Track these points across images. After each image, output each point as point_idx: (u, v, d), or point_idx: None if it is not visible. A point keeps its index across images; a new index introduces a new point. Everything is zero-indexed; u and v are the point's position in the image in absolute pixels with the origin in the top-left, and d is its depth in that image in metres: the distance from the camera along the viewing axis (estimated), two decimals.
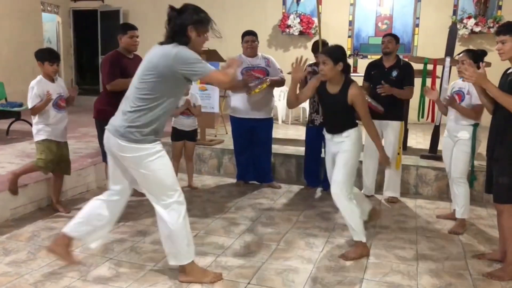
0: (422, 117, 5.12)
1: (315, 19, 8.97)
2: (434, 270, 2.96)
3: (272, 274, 2.86)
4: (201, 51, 2.65)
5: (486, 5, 8.13)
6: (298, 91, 3.39)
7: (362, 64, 8.08)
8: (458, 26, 7.91)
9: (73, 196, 4.40)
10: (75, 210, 3.98)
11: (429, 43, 8.26)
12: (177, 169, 4.77)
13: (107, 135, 2.59)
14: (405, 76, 4.30)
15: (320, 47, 4.21)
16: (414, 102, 5.61)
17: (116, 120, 2.55)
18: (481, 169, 4.28)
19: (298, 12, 9.03)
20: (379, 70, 4.39)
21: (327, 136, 3.29)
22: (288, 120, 8.20)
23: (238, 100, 4.64)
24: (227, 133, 6.46)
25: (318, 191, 4.76)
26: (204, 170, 5.54)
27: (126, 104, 2.54)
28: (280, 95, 8.06)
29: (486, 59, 3.57)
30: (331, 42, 4.58)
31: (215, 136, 6.23)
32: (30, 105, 3.67)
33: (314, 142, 4.69)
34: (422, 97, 5.07)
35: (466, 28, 8.09)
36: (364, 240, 3.16)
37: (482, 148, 3.71)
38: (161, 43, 2.55)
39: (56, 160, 3.81)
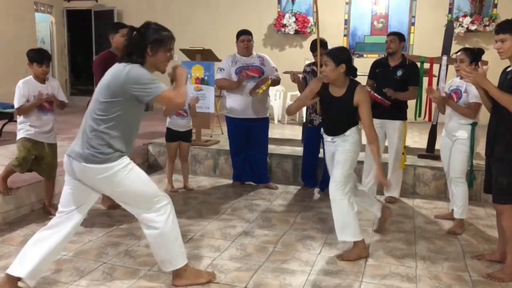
0: (420, 116, 5.08)
1: (311, 18, 8.94)
2: (433, 272, 2.92)
3: (269, 278, 2.81)
4: (165, 69, 2.57)
5: (481, 3, 8.12)
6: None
7: (359, 63, 8.08)
8: (454, 25, 7.87)
9: None
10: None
11: (425, 42, 8.25)
12: (172, 170, 4.73)
13: (68, 161, 2.46)
14: (410, 76, 4.25)
15: (318, 46, 4.15)
16: (411, 101, 5.58)
17: (77, 144, 2.44)
18: (479, 168, 4.26)
19: (293, 11, 8.99)
20: (383, 69, 4.34)
21: (326, 137, 3.25)
22: (284, 120, 8.16)
23: (233, 100, 4.59)
24: (222, 133, 6.41)
25: (315, 192, 4.72)
26: (199, 171, 5.48)
27: (84, 126, 2.43)
28: (276, 95, 8.02)
29: (483, 57, 3.54)
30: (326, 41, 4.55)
31: (211, 136, 6.18)
32: (16, 104, 3.59)
33: (313, 142, 4.65)
34: (419, 96, 5.03)
35: (462, 26, 8.08)
36: (359, 238, 3.11)
37: (480, 148, 3.69)
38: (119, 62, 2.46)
39: (31, 159, 3.68)
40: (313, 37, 8.74)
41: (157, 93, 2.35)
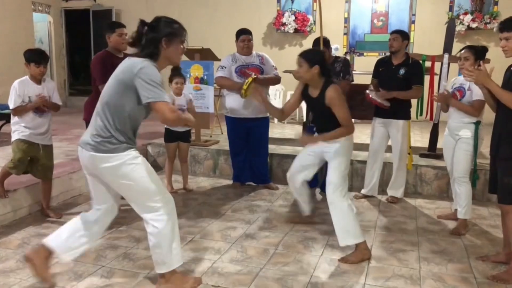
0: (421, 115, 5.03)
1: (310, 17, 8.89)
2: (438, 274, 2.87)
3: (270, 281, 2.76)
4: (179, 62, 2.62)
5: (482, 1, 8.08)
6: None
7: (359, 62, 8.05)
8: (455, 22, 7.82)
9: (65, 200, 4.28)
10: (67, 215, 3.88)
11: (425, 40, 8.21)
12: (171, 171, 4.68)
13: (79, 150, 2.49)
14: (413, 74, 4.18)
15: (321, 45, 4.08)
16: (412, 100, 5.54)
17: (87, 134, 2.48)
18: (482, 167, 4.22)
19: (293, 9, 8.94)
20: (386, 67, 4.29)
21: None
22: (285, 120, 8.11)
23: (233, 100, 4.54)
24: (222, 133, 6.36)
25: (316, 192, 4.67)
26: (199, 172, 5.43)
27: (95, 116, 2.46)
28: (276, 94, 7.98)
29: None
30: None
31: (210, 136, 6.13)
32: (11, 105, 3.53)
33: None
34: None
35: (463, 24, 8.03)
36: (361, 240, 3.08)
37: (483, 146, 3.64)
38: (131, 56, 2.49)
39: (27, 160, 3.64)
40: (313, 35, 8.70)
41: (157, 99, 2.31)
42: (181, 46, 2.49)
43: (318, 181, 4.72)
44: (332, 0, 8.55)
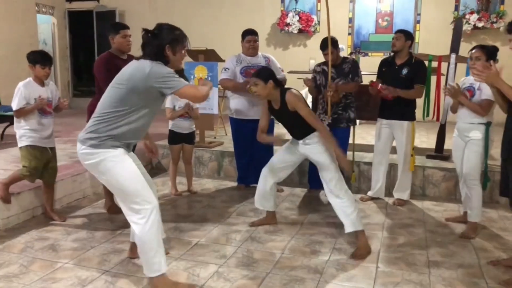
0: (428, 115, 4.97)
1: (315, 17, 8.84)
2: (448, 279, 2.82)
3: (277, 286, 2.71)
4: (180, 67, 2.75)
5: (488, 0, 8.00)
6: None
7: (364, 62, 7.98)
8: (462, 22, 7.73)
9: (69, 203, 4.24)
10: (71, 218, 3.85)
11: (430, 40, 8.14)
12: (175, 173, 4.64)
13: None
14: (416, 74, 4.12)
15: (330, 44, 4.02)
16: (418, 100, 5.47)
17: (84, 130, 2.56)
18: (493, 169, 4.15)
19: (297, 9, 8.89)
20: (389, 67, 4.24)
21: (298, 141, 3.48)
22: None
23: (237, 101, 4.50)
24: (226, 135, 6.31)
25: (322, 194, 4.61)
26: (203, 173, 5.39)
27: (95, 114, 2.54)
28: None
29: None
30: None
31: (215, 138, 6.08)
32: (15, 107, 3.50)
33: None
34: (426, 95, 4.92)
35: (469, 23, 7.95)
36: (361, 228, 3.28)
37: (494, 148, 3.58)
38: (138, 58, 2.56)
39: (41, 167, 3.64)
40: (317, 35, 8.65)
41: (180, 86, 2.44)
42: (183, 52, 2.60)
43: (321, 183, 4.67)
44: (336, 0, 8.49)
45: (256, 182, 4.77)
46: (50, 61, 3.65)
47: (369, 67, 7.31)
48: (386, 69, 4.27)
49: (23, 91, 3.51)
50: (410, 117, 4.21)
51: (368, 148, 5.09)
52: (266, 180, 3.64)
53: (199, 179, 5.20)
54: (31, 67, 3.59)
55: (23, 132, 3.57)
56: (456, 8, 8.24)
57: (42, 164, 3.64)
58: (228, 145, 5.49)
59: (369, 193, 4.50)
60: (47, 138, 3.67)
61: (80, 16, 10.49)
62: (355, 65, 4.34)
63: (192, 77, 5.21)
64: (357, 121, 7.50)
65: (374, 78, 4.54)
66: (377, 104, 4.37)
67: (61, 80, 10.40)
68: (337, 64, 4.26)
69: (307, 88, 4.64)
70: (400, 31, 4.20)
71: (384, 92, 4.09)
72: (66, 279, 2.75)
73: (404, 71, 4.13)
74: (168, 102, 4.43)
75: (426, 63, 4.90)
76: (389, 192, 4.51)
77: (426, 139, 6.34)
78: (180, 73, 4.40)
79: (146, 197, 2.50)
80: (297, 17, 8.78)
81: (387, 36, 8.38)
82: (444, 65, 4.98)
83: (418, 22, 8.52)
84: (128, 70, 2.49)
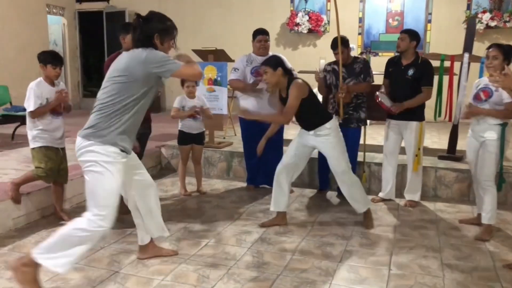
0: (439, 116, 4.90)
1: (324, 17, 8.78)
2: (462, 283, 2.76)
3: None
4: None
5: None
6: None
7: (374, 62, 7.90)
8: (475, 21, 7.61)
9: (79, 203, 4.23)
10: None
11: (442, 40, 8.04)
12: (184, 173, 4.62)
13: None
14: (423, 75, 4.05)
15: (339, 44, 3.99)
16: (430, 101, 5.39)
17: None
18: (506, 170, 4.08)
19: (306, 9, 8.84)
20: (396, 68, 4.17)
21: (308, 133, 3.58)
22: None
23: (247, 102, 4.46)
24: (235, 135, 6.29)
25: (333, 195, 4.57)
26: (213, 174, 5.37)
27: (94, 109, 2.55)
28: None
29: None
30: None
31: (224, 138, 6.06)
32: (30, 107, 3.48)
33: None
34: (439, 95, 4.86)
35: (481, 22, 7.84)
36: (369, 206, 3.72)
37: (509, 149, 3.51)
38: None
39: (57, 168, 3.65)
40: (327, 35, 8.59)
41: (177, 67, 2.50)
42: (170, 43, 2.63)
43: (330, 184, 4.63)
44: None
45: (266, 183, 4.79)
46: (61, 61, 3.65)
47: (379, 67, 7.24)
48: (393, 69, 4.21)
49: (35, 91, 3.51)
50: (419, 117, 4.15)
51: (379, 149, 5.02)
52: (280, 179, 3.65)
53: (208, 179, 5.18)
54: (42, 67, 3.59)
55: (36, 133, 3.57)
56: (468, 7, 8.13)
57: (57, 164, 3.64)
58: (238, 145, 5.47)
59: (380, 194, 4.44)
60: (59, 139, 3.67)
61: (90, 17, 10.53)
62: (366, 65, 4.29)
63: (203, 76, 5.18)
64: (368, 121, 7.49)
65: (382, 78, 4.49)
66: (379, 107, 4.32)
67: (71, 80, 10.45)
68: (347, 63, 4.21)
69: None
70: (405, 31, 4.13)
71: (393, 110, 4.05)
72: (76, 279, 2.74)
73: (411, 71, 4.06)
74: (176, 102, 4.41)
75: (438, 63, 4.87)
76: (400, 193, 4.45)
77: (437, 140, 6.26)
78: None
79: (109, 215, 2.47)
80: (306, 17, 8.73)
81: (398, 36, 8.29)
82: (456, 65, 4.92)
83: (429, 21, 8.42)
84: (123, 61, 2.50)
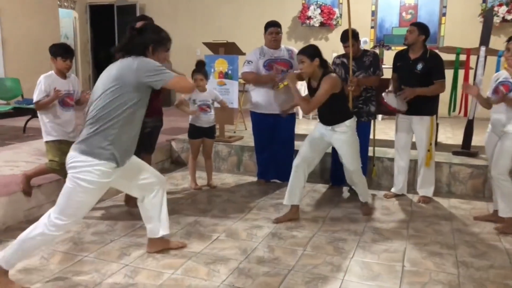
0: (454, 111, 4.81)
1: (336, 10, 8.68)
2: (478, 280, 2.69)
3: (299, 284, 2.63)
4: None
5: None
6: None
7: (387, 56, 7.80)
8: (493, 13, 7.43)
9: None
10: (91, 211, 3.80)
11: (456, 33, 7.90)
12: (195, 167, 4.60)
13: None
14: (432, 69, 3.95)
15: (350, 37, 3.92)
16: (444, 96, 5.30)
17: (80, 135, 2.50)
18: None
19: (318, 2, 8.74)
20: (404, 62, 4.09)
21: (326, 127, 3.56)
22: (309, 115, 7.94)
23: (259, 95, 4.42)
24: (246, 129, 6.25)
25: (344, 191, 4.51)
26: (223, 168, 5.33)
27: (87, 123, 2.47)
28: (300, 89, 7.79)
29: None
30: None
31: (234, 132, 6.02)
32: (35, 99, 3.50)
33: None
34: (454, 89, 4.77)
35: (497, 16, 7.68)
36: (369, 200, 3.91)
37: None
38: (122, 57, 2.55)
39: None
40: (339, 29, 8.49)
41: (170, 77, 2.46)
42: (165, 54, 2.65)
43: (345, 179, 4.57)
44: None
45: (277, 177, 4.75)
46: (72, 53, 3.64)
47: (392, 61, 7.14)
48: (401, 64, 4.13)
49: (43, 83, 3.50)
50: (430, 112, 4.06)
51: (391, 144, 4.93)
52: (299, 172, 3.64)
53: (218, 173, 5.15)
54: (52, 59, 3.58)
55: (50, 126, 3.56)
56: (484, 0, 7.97)
57: None
58: (248, 139, 5.43)
59: (393, 190, 4.38)
60: (71, 132, 3.66)
61: (101, 10, 10.53)
62: (376, 58, 4.23)
63: (212, 70, 5.15)
64: (380, 116, 7.41)
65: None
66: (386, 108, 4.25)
67: (82, 74, 10.48)
68: (357, 56, 4.15)
69: None
70: (414, 24, 4.05)
71: (393, 106, 4.00)
72: (86, 272, 2.73)
73: (419, 66, 3.97)
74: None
75: (454, 56, 4.77)
76: (412, 189, 4.38)
77: (451, 135, 6.16)
78: (201, 66, 4.37)
79: (70, 225, 2.50)
80: (318, 10, 8.63)
81: None
82: (472, 58, 4.81)
83: (444, 14, 8.27)
84: (113, 72, 2.45)
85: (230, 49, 5.54)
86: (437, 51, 4.20)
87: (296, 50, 4.46)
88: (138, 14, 9.56)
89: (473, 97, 3.52)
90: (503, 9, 7.65)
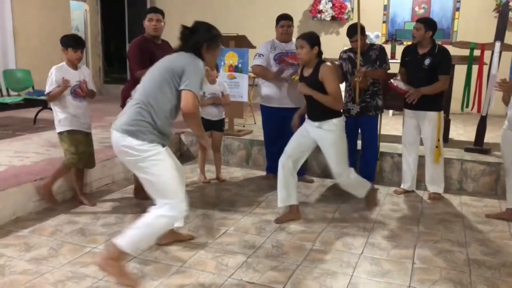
0: (467, 107, 4.73)
1: (348, 4, 8.59)
2: (490, 279, 2.65)
3: (308, 279, 2.61)
4: (214, 65, 2.91)
5: None
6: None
7: (399, 50, 7.70)
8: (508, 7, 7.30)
9: (98, 188, 4.25)
10: (100, 202, 3.85)
11: (470, 28, 7.78)
12: (204, 160, 4.59)
13: (111, 133, 2.49)
14: (440, 64, 3.90)
15: (359, 32, 3.88)
16: (457, 92, 5.23)
17: (121, 119, 2.48)
18: None
19: None
20: (412, 57, 4.04)
21: (313, 123, 3.43)
22: None
23: (269, 88, 4.38)
24: (255, 123, 6.22)
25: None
26: (232, 162, 5.32)
27: (135, 107, 2.46)
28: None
29: None
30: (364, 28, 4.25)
31: (244, 126, 6.00)
32: (47, 90, 3.52)
33: (350, 133, 4.37)
34: (467, 85, 4.69)
35: None
36: (369, 186, 3.76)
37: None
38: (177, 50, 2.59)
39: (88, 150, 3.68)
40: (351, 23, 8.38)
41: (192, 88, 2.40)
42: (218, 51, 2.64)
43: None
44: None
45: None
46: (83, 44, 3.64)
47: None
48: (409, 59, 4.08)
49: (54, 75, 3.51)
50: (437, 107, 4.00)
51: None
52: (286, 171, 3.47)
53: (227, 167, 5.14)
54: (63, 50, 3.59)
55: (63, 117, 3.57)
56: None
57: (89, 147, 3.66)
58: (258, 133, 5.40)
59: (402, 186, 4.33)
60: (85, 123, 3.67)
61: (112, 3, 10.53)
62: (382, 52, 4.19)
63: (222, 63, 5.12)
64: (390, 111, 7.33)
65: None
66: (396, 92, 4.19)
67: (92, 66, 10.49)
68: (363, 51, 4.11)
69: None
70: (420, 21, 3.97)
71: (410, 94, 3.93)
72: (94, 263, 2.73)
73: (427, 61, 3.91)
74: (198, 94, 4.37)
75: (463, 51, 4.68)
76: (422, 185, 4.33)
77: (463, 132, 6.08)
78: None
79: (179, 195, 2.48)
80: (330, 4, 8.54)
81: None
82: (486, 54, 4.72)
83: (458, 9, 8.14)
84: (168, 62, 2.50)
85: (240, 42, 5.50)
86: (450, 46, 4.14)
87: None
88: (148, 6, 9.55)
89: (505, 92, 3.41)
90: None
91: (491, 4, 7.77)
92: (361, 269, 2.75)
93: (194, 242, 3.08)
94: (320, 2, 8.61)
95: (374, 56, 4.15)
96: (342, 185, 3.62)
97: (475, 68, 4.68)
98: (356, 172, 4.47)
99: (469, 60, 4.68)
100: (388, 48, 6.81)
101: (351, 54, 4.23)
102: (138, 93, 2.51)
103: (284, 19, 4.31)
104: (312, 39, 3.32)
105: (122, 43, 10.45)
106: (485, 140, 4.86)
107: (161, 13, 3.77)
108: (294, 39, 4.39)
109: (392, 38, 7.71)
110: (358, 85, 4.03)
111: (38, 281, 2.51)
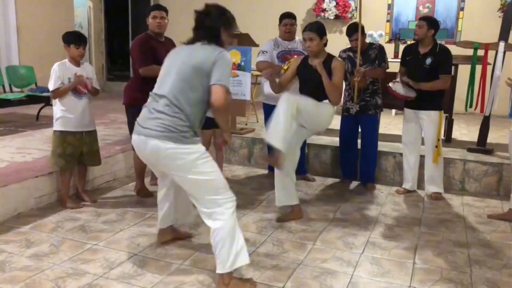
0: (471, 107, 4.71)
1: (352, 3, 8.57)
2: (491, 280, 2.64)
3: (308, 278, 2.61)
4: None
5: None
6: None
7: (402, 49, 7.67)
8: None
9: (100, 185, 4.26)
10: (101, 199, 3.85)
11: (474, 28, 7.74)
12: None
13: (141, 140, 2.38)
14: (440, 63, 3.88)
15: (360, 32, 3.87)
16: (460, 92, 5.21)
17: (151, 124, 2.36)
18: None
19: None
20: (413, 56, 4.03)
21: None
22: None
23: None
24: (258, 122, 6.21)
25: (355, 184, 4.47)
26: (234, 160, 5.31)
27: (164, 106, 2.36)
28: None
29: None
30: (368, 27, 4.25)
31: (246, 124, 5.99)
32: (51, 87, 3.50)
33: (350, 132, 4.41)
34: (471, 85, 4.67)
35: None
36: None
37: None
38: (189, 43, 2.51)
39: (78, 154, 3.64)
40: (350, 23, 8.36)
41: (224, 82, 2.34)
42: (233, 33, 2.56)
43: (356, 174, 4.52)
44: None
45: None
46: (85, 41, 3.63)
47: None
48: (410, 58, 4.06)
49: (57, 71, 3.51)
50: (437, 106, 3.99)
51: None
52: (280, 172, 3.43)
53: (229, 165, 5.13)
54: (65, 47, 3.58)
55: (60, 114, 3.56)
56: None
57: (79, 150, 3.64)
58: (260, 132, 5.39)
59: (404, 186, 4.32)
60: (84, 121, 3.65)
61: (115, 0, 10.53)
62: (381, 51, 4.18)
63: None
64: (393, 110, 7.31)
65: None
66: (395, 97, 4.18)
67: (95, 63, 10.50)
68: (363, 50, 4.11)
69: None
70: (423, 19, 3.95)
71: (401, 94, 3.94)
72: (94, 260, 2.74)
73: (428, 60, 3.90)
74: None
75: (471, 51, 4.66)
76: (424, 185, 4.31)
77: (466, 132, 6.05)
78: None
79: (228, 187, 2.43)
80: (333, 3, 8.52)
81: None
82: (490, 54, 4.70)
83: (462, 9, 8.10)
84: (196, 58, 2.38)
85: (243, 40, 5.48)
86: (453, 46, 4.11)
87: None
88: (152, 3, 9.55)
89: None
90: None
91: (496, 4, 7.73)
92: (361, 269, 2.74)
93: (194, 240, 3.08)
94: (324, 0, 8.60)
95: (374, 55, 4.15)
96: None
97: (478, 68, 4.66)
98: (356, 172, 4.52)
99: (473, 60, 4.65)
100: (391, 47, 6.81)
101: (351, 53, 4.25)
102: (166, 92, 2.37)
103: (288, 18, 4.30)
104: (320, 30, 3.37)
105: (125, 40, 10.45)
106: (488, 141, 4.84)
107: (165, 10, 3.77)
108: (297, 38, 4.40)
109: (396, 37, 7.67)
110: (357, 85, 4.02)
111: (38, 277, 2.51)
